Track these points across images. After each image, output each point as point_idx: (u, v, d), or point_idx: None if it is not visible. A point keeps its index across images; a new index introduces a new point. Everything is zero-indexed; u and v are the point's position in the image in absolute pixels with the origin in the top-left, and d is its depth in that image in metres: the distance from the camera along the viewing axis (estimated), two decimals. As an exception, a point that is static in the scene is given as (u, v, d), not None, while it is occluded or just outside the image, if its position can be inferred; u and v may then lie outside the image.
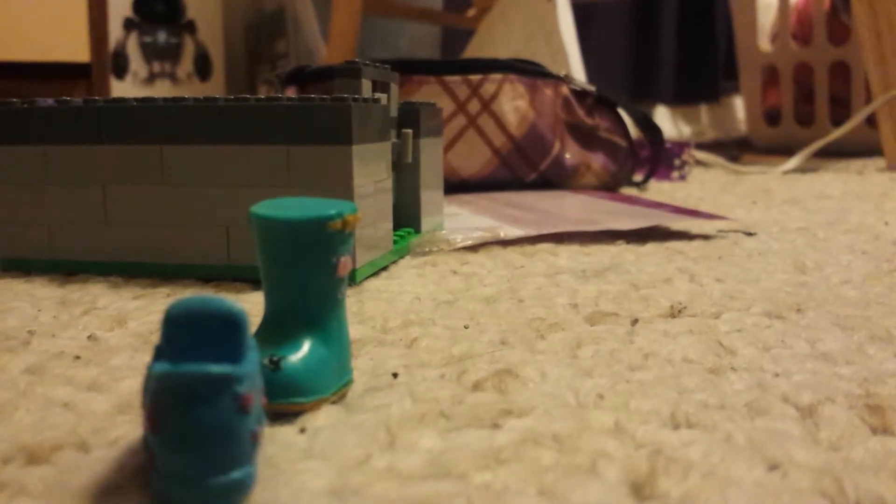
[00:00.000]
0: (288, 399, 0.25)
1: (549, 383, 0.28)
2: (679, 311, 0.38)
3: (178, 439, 0.19)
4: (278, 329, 0.26)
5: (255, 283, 0.43)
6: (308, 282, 0.26)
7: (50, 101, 0.45)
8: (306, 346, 0.26)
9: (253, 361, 0.21)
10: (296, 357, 0.25)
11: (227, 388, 0.19)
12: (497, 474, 0.22)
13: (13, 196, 0.46)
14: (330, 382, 0.26)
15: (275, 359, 0.25)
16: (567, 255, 0.51)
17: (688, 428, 0.25)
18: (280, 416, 0.25)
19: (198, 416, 0.19)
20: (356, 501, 0.20)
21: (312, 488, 0.21)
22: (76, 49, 1.49)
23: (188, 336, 0.20)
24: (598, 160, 0.86)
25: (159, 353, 0.20)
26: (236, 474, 0.19)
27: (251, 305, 0.39)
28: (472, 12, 1.67)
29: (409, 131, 0.51)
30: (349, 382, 0.27)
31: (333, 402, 0.26)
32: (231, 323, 0.20)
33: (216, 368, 0.19)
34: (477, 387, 0.28)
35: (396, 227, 0.53)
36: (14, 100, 0.45)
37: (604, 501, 0.21)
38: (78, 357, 0.31)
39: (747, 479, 0.22)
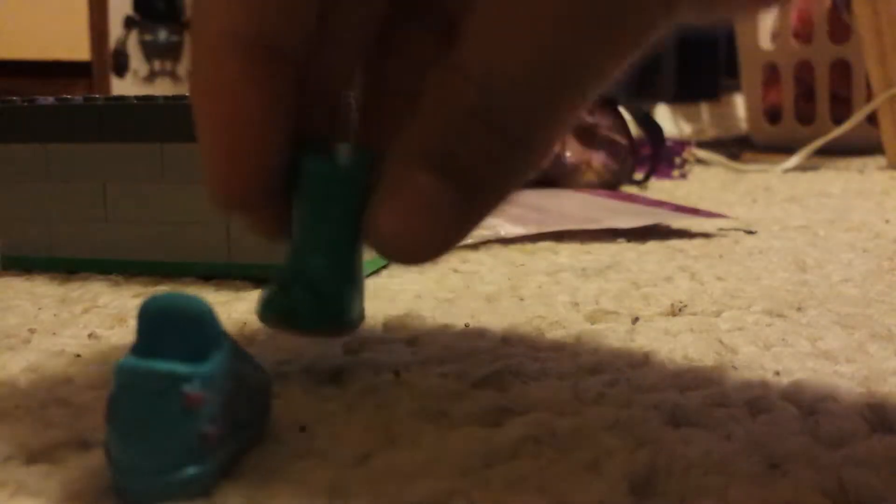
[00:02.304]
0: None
1: (549, 381, 0.28)
2: (680, 310, 0.38)
3: (122, 431, 0.20)
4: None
5: (255, 281, 0.43)
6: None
7: (50, 100, 0.45)
8: None
9: (218, 362, 0.20)
10: None
11: (172, 386, 0.20)
12: (497, 472, 0.22)
13: (13, 194, 0.46)
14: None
15: None
16: (568, 253, 0.51)
17: (688, 426, 0.25)
18: (279, 414, 0.25)
19: (141, 410, 0.20)
20: (356, 500, 0.20)
21: (312, 486, 0.21)
22: (77, 47, 1.49)
23: (159, 332, 0.20)
24: (598, 158, 0.86)
25: (132, 348, 0.21)
26: (181, 473, 0.20)
27: (251, 303, 0.39)
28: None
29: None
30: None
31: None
32: (198, 321, 0.20)
33: (162, 366, 0.20)
34: (477, 385, 0.28)
35: (397, 225, 0.53)
36: (14, 98, 0.45)
37: (604, 500, 0.21)
38: (78, 355, 0.31)
39: (748, 478, 0.21)
